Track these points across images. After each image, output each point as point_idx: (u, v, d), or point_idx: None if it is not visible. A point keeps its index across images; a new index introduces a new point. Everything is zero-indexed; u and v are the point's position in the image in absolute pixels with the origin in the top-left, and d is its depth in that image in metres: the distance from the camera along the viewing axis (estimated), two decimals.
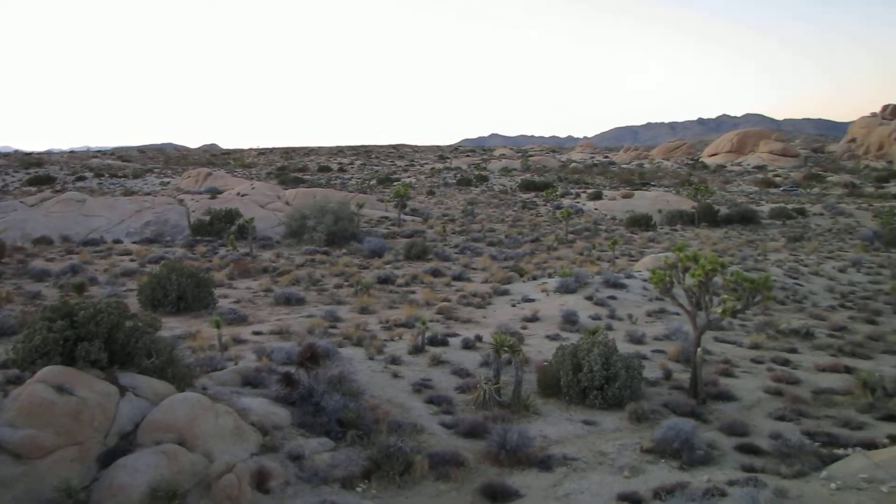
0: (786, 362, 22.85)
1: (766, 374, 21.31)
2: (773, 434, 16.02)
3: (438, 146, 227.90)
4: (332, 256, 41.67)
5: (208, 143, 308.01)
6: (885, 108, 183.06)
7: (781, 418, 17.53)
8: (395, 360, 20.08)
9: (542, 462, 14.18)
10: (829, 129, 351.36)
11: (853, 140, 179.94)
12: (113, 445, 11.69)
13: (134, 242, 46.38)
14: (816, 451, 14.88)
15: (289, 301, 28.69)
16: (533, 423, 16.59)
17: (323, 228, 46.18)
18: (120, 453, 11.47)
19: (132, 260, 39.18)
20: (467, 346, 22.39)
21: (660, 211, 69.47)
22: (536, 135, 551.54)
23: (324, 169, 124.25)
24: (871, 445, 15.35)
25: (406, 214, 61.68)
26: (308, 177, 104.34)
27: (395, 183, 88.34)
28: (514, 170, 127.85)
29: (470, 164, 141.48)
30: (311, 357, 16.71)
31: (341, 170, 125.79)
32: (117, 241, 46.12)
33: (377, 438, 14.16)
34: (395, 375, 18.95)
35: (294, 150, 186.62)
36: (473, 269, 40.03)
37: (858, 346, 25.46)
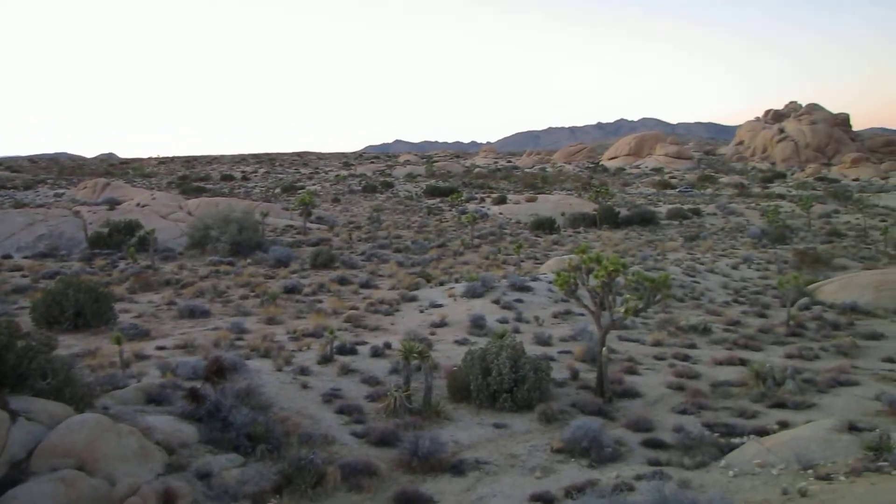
0: (686, 358, 23.76)
1: (667, 370, 22.10)
2: (676, 428, 16.63)
3: (343, 153, 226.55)
4: (236, 267, 40.76)
5: (106, 152, 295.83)
6: (768, 112, 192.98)
7: (683, 412, 18.24)
8: (303, 371, 19.80)
9: (455, 467, 14.25)
10: (718, 133, 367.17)
11: (741, 143, 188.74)
12: (2, 476, 11.02)
13: (25, 257, 44.03)
14: (716, 442, 15.56)
15: (193, 314, 27.91)
16: (444, 428, 16.65)
17: (227, 238, 45.13)
18: (11, 484, 10.72)
19: (24, 276, 37.20)
20: (376, 353, 22.29)
21: (563, 214, 70.97)
22: (440, 140, 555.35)
23: (227, 178, 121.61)
24: (763, 432, 16.19)
25: (311, 222, 60.94)
26: (211, 186, 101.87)
27: (300, 191, 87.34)
28: (419, 175, 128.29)
29: (375, 170, 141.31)
30: (218, 371, 16.30)
31: (245, 178, 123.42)
32: (7, 257, 43.71)
33: (288, 451, 13.91)
34: (305, 386, 18.69)
35: (196, 158, 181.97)
36: (380, 276, 39.94)
37: (751, 338, 26.75)
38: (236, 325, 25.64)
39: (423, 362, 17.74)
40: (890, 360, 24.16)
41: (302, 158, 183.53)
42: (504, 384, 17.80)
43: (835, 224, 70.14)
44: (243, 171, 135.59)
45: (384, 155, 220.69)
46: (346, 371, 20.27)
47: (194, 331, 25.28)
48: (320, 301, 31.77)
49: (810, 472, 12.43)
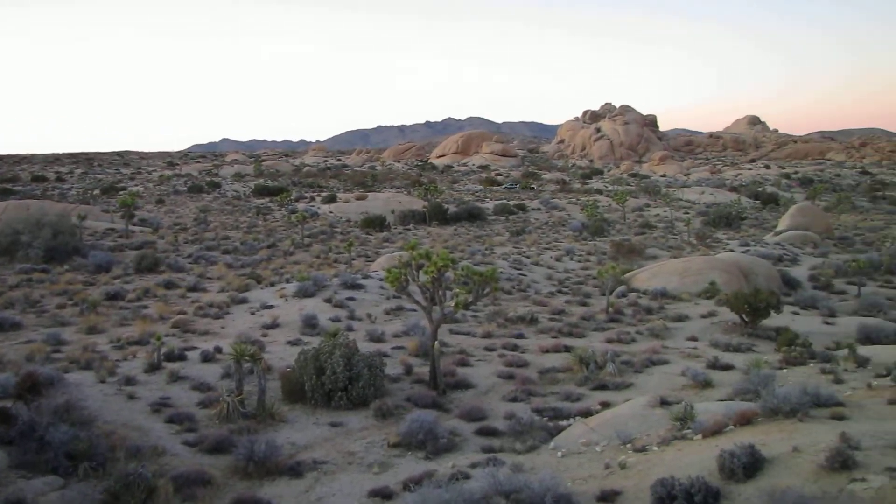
0: (515, 347, 24.72)
1: (498, 360, 22.89)
2: (507, 415, 17.29)
3: (167, 152, 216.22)
4: (52, 274, 37.80)
5: None
6: (586, 113, 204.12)
7: (514, 399, 19.01)
8: (129, 381, 18.78)
9: (293, 469, 14.06)
10: (541, 132, 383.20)
11: (562, 141, 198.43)
12: None
13: None
14: (545, 426, 16.34)
15: (2, 327, 25.67)
16: (280, 430, 16.38)
17: (40, 244, 41.74)
18: None
19: None
20: (207, 358, 21.52)
21: (393, 211, 71.44)
22: (269, 139, 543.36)
23: (38, 178, 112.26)
24: (587, 413, 17.23)
25: (134, 225, 57.63)
26: (20, 188, 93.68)
27: (122, 192, 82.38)
28: (248, 175, 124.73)
29: (201, 170, 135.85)
30: (31, 387, 15.14)
31: (59, 179, 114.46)
32: None
33: (114, 468, 13.10)
34: (131, 397, 17.74)
35: (2, 158, 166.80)
36: (209, 278, 38.50)
37: (574, 326, 28.22)
38: (52, 336, 23.85)
39: (256, 365, 17.35)
40: (693, 339, 26.37)
41: (123, 158, 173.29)
42: (338, 383, 17.74)
43: (646, 217, 75.24)
44: (58, 172, 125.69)
45: (211, 154, 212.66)
46: (176, 378, 19.43)
47: (3, 345, 23.27)
48: (146, 307, 30.17)
49: (629, 445, 13.35)
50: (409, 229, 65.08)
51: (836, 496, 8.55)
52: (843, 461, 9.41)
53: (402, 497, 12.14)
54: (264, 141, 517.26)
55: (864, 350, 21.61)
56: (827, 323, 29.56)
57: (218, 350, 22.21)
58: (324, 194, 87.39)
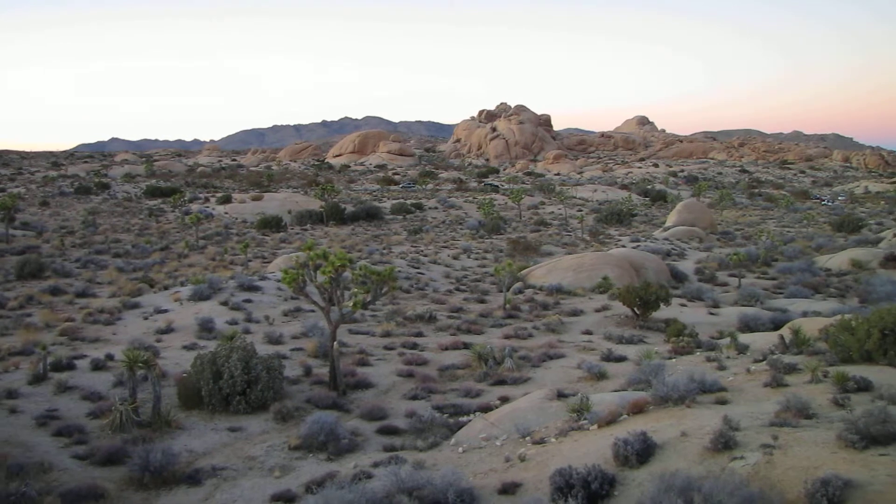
0: (414, 346, 24.86)
1: (398, 359, 22.97)
2: (408, 413, 17.38)
3: (51, 152, 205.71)
4: None
5: None
6: (482, 112, 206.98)
7: (415, 397, 19.12)
8: (11, 394, 17.79)
9: (191, 477, 13.66)
10: (438, 131, 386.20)
11: (458, 140, 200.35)
12: None
13: None
14: (446, 422, 16.51)
15: None
16: (177, 438, 15.90)
17: None
18: None
19: None
20: (97, 367, 20.65)
21: (289, 212, 70.52)
22: (161, 138, 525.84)
23: None
24: (487, 408, 17.52)
25: (15, 229, 54.62)
26: None
27: (1, 194, 77.87)
28: (139, 175, 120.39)
29: (89, 170, 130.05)
30: None
31: None
32: None
33: None
34: (13, 411, 16.83)
35: None
36: (99, 283, 36.94)
37: (473, 323, 28.61)
38: None
39: (150, 371, 16.79)
40: (588, 332, 27.20)
41: (2, 158, 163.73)
42: (237, 386, 17.39)
43: (542, 215, 76.96)
44: None
45: (99, 154, 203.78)
46: (64, 389, 18.56)
47: None
48: (29, 315, 28.64)
49: (528, 438, 13.65)
50: (306, 229, 64.33)
51: (719, 475, 9.03)
52: (725, 442, 9.96)
53: (305, 500, 12.01)
54: (156, 140, 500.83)
55: (743, 338, 22.87)
56: (711, 313, 31.10)
57: (109, 357, 21.34)
58: (218, 195, 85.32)
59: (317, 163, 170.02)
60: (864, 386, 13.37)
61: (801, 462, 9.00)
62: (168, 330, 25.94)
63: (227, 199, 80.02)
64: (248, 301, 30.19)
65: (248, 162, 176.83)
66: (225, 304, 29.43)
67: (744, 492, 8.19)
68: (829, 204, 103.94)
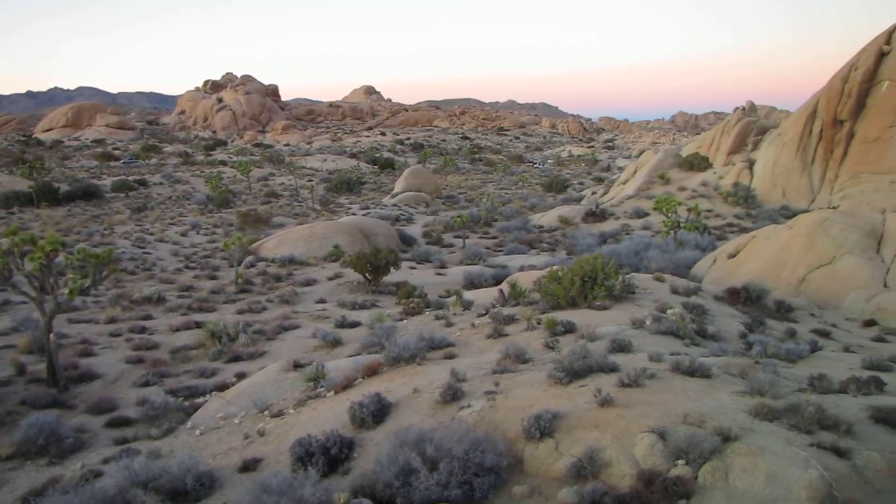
0: (143, 330, 23.56)
1: (125, 345, 21.66)
2: (140, 401, 16.53)
3: None
4: None
5: None
6: (207, 83, 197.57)
7: (146, 384, 18.23)
8: None
9: None
10: (161, 102, 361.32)
11: (183, 112, 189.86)
12: None
13: None
14: (181, 406, 15.98)
15: None
16: None
17: None
18: None
19: None
20: None
21: None
22: None
23: None
24: (224, 387, 17.21)
25: None
26: None
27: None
28: None
29: None
30: None
31: None
32: None
33: None
34: None
35: None
36: None
37: (204, 301, 27.74)
38: None
39: None
40: (322, 301, 27.58)
41: None
42: None
43: (272, 186, 75.71)
44: None
45: None
46: None
47: None
48: None
49: (266, 412, 13.66)
50: (13, 213, 57.71)
51: (448, 424, 9.73)
52: (453, 394, 10.74)
53: None
54: None
55: (469, 295, 24.51)
56: (439, 274, 32.88)
57: None
58: None
59: (23, 138, 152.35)
60: (569, 328, 15.09)
61: (520, 403, 9.97)
62: None
63: None
64: None
65: None
66: None
67: (471, 437, 8.91)
68: (541, 167, 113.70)
